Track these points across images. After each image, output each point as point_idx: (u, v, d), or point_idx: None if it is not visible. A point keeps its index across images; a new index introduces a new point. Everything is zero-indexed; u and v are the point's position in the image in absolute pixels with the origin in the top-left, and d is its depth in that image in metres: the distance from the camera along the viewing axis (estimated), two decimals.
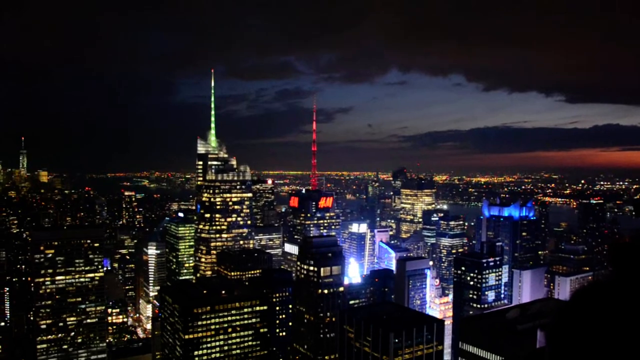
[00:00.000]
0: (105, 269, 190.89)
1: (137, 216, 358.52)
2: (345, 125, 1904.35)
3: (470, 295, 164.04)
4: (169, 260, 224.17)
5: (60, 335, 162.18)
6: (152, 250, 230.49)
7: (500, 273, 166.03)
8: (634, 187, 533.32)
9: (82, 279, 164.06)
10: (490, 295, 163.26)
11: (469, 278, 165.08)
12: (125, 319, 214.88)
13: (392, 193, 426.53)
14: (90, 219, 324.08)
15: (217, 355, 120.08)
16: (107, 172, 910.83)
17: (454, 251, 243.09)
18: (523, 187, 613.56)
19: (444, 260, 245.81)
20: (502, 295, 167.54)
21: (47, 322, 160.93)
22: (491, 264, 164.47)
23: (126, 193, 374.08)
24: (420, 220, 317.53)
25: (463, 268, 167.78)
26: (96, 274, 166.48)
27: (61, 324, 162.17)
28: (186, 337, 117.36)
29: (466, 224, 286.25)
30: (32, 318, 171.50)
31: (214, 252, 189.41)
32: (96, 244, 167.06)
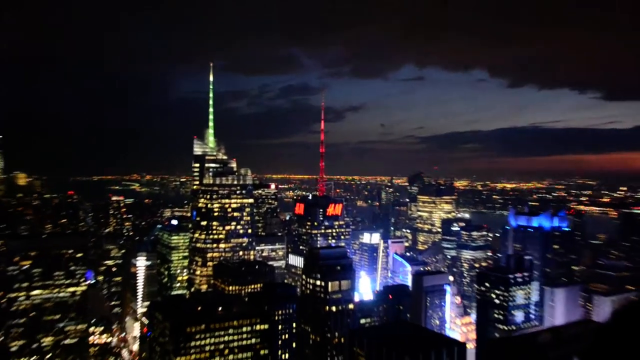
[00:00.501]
0: (88, 282, 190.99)
1: (126, 223, 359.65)
2: (356, 125, 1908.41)
3: (496, 315, 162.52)
4: (161, 272, 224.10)
5: (33, 358, 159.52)
6: (141, 262, 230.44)
7: (529, 290, 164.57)
8: None
9: (61, 294, 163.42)
10: (519, 316, 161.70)
11: (494, 295, 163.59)
12: (109, 339, 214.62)
13: (407, 200, 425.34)
14: (73, 227, 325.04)
15: None
16: (92, 174, 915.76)
17: (476, 265, 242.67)
18: (554, 194, 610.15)
19: (465, 275, 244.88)
20: (532, 316, 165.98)
21: (19, 343, 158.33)
22: (519, 280, 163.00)
23: (114, 198, 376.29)
24: (439, 230, 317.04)
25: (487, 284, 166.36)
26: (78, 288, 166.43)
27: (35, 346, 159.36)
28: (177, 359, 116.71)
29: (490, 234, 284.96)
30: (1, 338, 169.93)
31: (211, 263, 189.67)
32: (79, 255, 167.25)
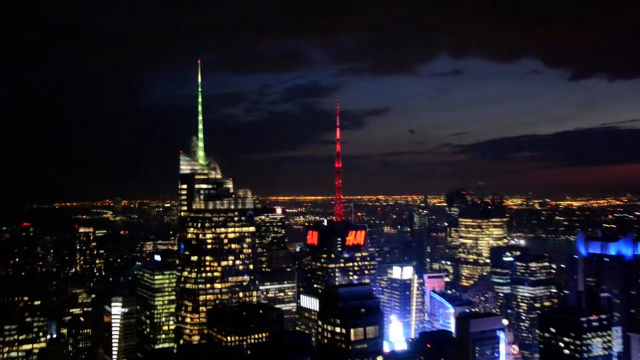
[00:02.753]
0: (49, 337, 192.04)
1: (97, 261, 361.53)
2: (380, 133, 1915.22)
3: None
4: (141, 322, 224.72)
5: None
6: (117, 309, 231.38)
7: (609, 338, 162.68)
8: None
9: (13, 354, 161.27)
10: None
11: (562, 344, 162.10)
12: None
13: (446, 224, 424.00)
14: (29, 267, 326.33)
15: None
16: (54, 201, 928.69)
17: (537, 305, 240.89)
18: (637, 213, 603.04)
19: (523, 317, 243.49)
20: None
21: None
22: (595, 324, 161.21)
23: (82, 229, 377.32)
24: (488, 261, 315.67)
25: (553, 329, 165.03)
26: (35, 345, 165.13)
27: None
28: None
29: (554, 266, 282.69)
30: None
31: (204, 309, 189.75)
32: (36, 302, 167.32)
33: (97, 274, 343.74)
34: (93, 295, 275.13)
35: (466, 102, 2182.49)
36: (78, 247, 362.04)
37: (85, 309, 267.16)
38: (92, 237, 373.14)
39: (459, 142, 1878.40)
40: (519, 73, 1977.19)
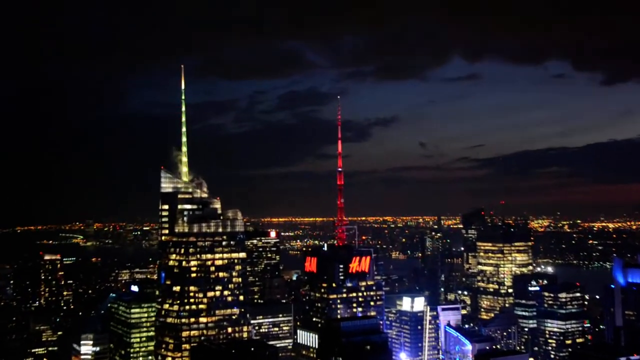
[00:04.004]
0: None
1: (64, 292, 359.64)
2: (387, 145, 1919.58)
3: None
4: None
5: None
6: (87, 348, 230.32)
7: None
8: None
9: None
10: None
11: None
12: None
13: (463, 249, 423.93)
14: None
15: None
16: (14, 224, 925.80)
17: (568, 341, 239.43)
18: None
19: (552, 355, 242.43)
20: None
21: None
22: None
23: (47, 256, 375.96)
24: (511, 291, 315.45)
25: None
26: None
27: None
28: None
29: (587, 296, 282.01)
30: None
31: (187, 346, 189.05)
32: None
33: (65, 307, 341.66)
34: (59, 333, 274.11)
35: (484, 111, 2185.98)
36: (42, 277, 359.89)
37: (49, 349, 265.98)
38: (59, 265, 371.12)
39: (476, 155, 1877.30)
40: (543, 77, 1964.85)
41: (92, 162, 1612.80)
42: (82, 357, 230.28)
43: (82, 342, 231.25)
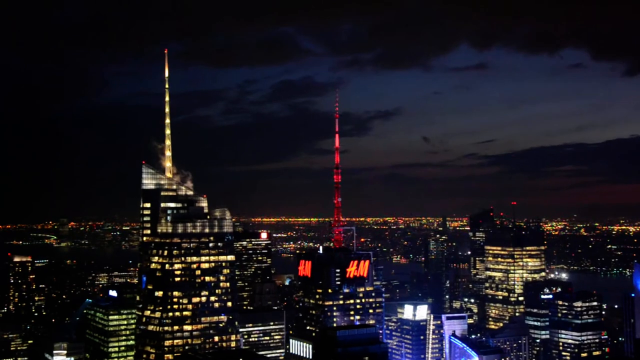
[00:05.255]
0: None
1: (36, 298, 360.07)
2: (388, 140, 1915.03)
3: None
4: None
5: None
6: (60, 357, 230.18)
7: None
8: None
9: None
10: None
11: None
12: None
13: (469, 253, 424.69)
14: None
15: None
16: None
17: (584, 354, 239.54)
18: None
19: None
20: None
21: None
22: None
23: (17, 258, 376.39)
24: (521, 299, 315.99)
25: None
26: None
27: None
28: None
29: (604, 306, 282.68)
30: None
31: (170, 357, 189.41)
32: None
33: (36, 314, 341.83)
34: (30, 341, 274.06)
35: (493, 103, 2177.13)
36: (12, 281, 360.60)
37: (19, 359, 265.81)
38: (29, 268, 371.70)
39: (485, 152, 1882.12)
40: (559, 66, 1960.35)
41: (67, 156, 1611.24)
42: None
43: (54, 351, 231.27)
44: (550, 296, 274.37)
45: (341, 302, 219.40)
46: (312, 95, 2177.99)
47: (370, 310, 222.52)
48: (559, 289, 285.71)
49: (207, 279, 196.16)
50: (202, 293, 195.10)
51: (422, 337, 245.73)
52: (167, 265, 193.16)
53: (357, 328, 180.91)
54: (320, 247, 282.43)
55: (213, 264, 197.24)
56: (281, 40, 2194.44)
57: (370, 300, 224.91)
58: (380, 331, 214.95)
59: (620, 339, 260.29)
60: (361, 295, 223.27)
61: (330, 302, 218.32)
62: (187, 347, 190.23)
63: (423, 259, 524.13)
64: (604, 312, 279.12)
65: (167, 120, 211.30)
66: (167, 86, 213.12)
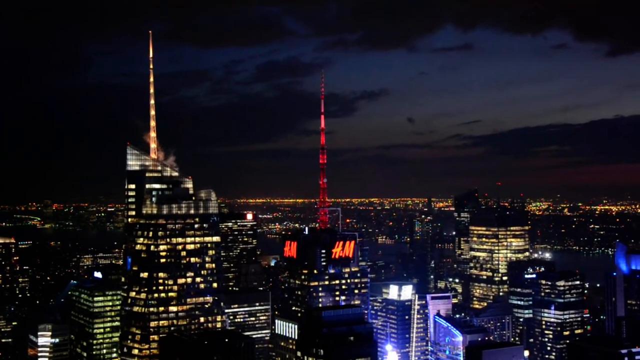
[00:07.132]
0: None
1: (20, 279, 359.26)
2: (374, 121, 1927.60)
3: None
4: (76, 355, 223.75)
5: None
6: (44, 339, 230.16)
7: None
8: None
9: None
10: None
11: None
12: None
13: (454, 233, 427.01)
14: None
15: None
16: None
17: (566, 332, 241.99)
18: None
19: (549, 347, 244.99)
20: None
21: None
22: (638, 357, 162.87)
23: (0, 240, 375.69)
24: (505, 278, 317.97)
25: None
26: None
27: None
28: None
29: (587, 285, 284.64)
30: None
31: (156, 337, 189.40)
32: None
33: (20, 295, 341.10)
34: (14, 323, 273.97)
35: (479, 84, 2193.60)
36: None
37: (3, 340, 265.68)
38: (13, 250, 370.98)
39: (470, 132, 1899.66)
40: (543, 47, 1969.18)
41: (51, 137, 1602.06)
42: (39, 349, 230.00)
43: (39, 333, 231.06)
44: (534, 276, 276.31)
45: (326, 282, 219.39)
46: (298, 75, 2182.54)
47: (356, 291, 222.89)
48: (543, 269, 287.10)
49: (193, 260, 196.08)
50: (188, 274, 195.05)
51: (407, 317, 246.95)
52: (152, 247, 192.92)
53: (342, 308, 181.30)
54: (306, 228, 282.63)
55: (198, 245, 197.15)
56: (266, 21, 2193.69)
57: (356, 280, 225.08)
58: (366, 311, 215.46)
59: (602, 317, 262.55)
60: (346, 275, 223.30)
61: (316, 283, 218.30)
62: (172, 328, 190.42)
63: (408, 239, 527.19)
64: (586, 291, 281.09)
65: (152, 101, 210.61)
66: (151, 66, 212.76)
